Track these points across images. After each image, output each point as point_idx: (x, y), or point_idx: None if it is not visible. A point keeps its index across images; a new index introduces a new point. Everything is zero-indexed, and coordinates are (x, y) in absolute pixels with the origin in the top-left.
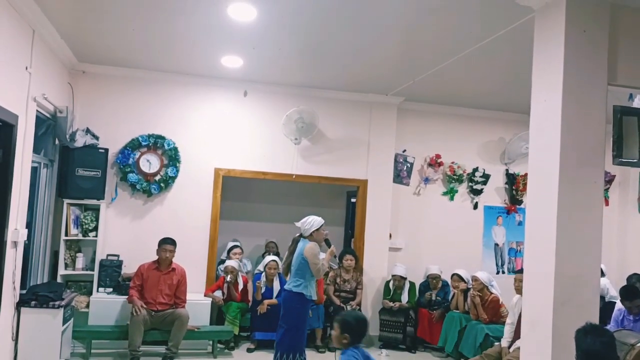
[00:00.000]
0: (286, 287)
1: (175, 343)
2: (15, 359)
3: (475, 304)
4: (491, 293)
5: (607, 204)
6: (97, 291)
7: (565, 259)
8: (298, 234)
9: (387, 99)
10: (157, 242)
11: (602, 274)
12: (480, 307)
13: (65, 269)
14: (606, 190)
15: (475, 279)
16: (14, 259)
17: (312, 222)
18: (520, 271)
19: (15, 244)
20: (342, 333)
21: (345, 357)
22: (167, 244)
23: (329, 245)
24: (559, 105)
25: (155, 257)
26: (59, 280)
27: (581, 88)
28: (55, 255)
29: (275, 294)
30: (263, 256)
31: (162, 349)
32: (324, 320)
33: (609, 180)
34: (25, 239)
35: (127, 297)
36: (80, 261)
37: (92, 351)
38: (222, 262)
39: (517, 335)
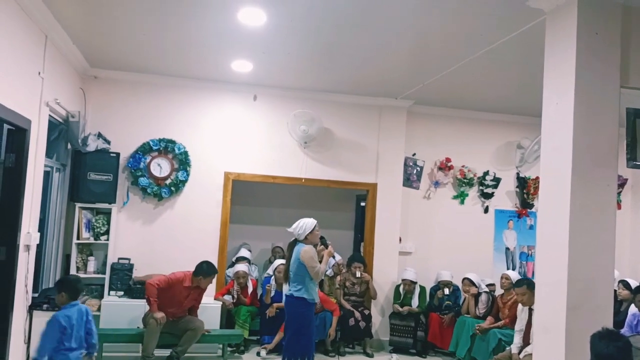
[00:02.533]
0: (287, 292)
1: (184, 349)
2: None
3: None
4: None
5: (619, 207)
6: (109, 294)
7: (578, 263)
8: (293, 239)
9: (396, 103)
10: (167, 246)
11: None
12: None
13: (77, 272)
14: (618, 193)
15: (506, 276)
16: (26, 262)
17: (305, 225)
18: (520, 284)
19: (27, 247)
20: (59, 292)
21: (62, 312)
22: (212, 275)
23: (325, 245)
24: (571, 108)
25: (188, 269)
26: None
27: (593, 90)
28: (67, 258)
29: (284, 297)
30: (270, 261)
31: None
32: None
33: (622, 183)
34: (38, 242)
35: (148, 300)
36: (91, 265)
37: (104, 354)
38: (232, 264)
39: (525, 341)
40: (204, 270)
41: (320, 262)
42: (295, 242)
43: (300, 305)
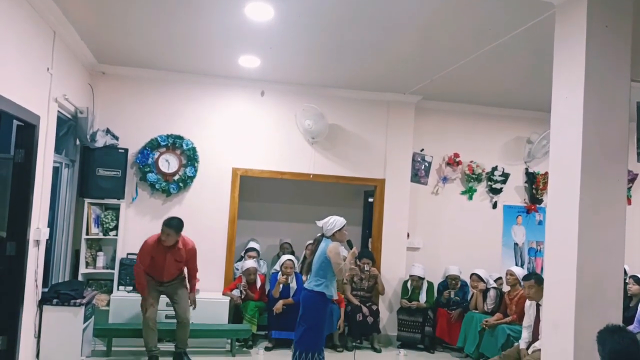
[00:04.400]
0: (306, 286)
1: (182, 343)
2: (38, 356)
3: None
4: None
5: (629, 203)
6: (118, 290)
7: (588, 258)
8: (320, 234)
9: (404, 98)
10: None
11: (625, 274)
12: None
13: (86, 267)
14: (629, 189)
15: (510, 273)
16: (36, 257)
17: (335, 222)
18: (528, 278)
19: (37, 242)
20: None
21: None
22: (166, 226)
23: (350, 247)
24: (581, 102)
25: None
26: (80, 278)
27: (604, 84)
28: (76, 254)
29: (292, 293)
30: (278, 256)
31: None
32: (342, 320)
33: (632, 178)
34: (47, 237)
35: (137, 289)
36: (100, 260)
37: (113, 349)
38: (241, 258)
39: (535, 337)
40: (165, 221)
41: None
42: (322, 237)
43: (319, 301)
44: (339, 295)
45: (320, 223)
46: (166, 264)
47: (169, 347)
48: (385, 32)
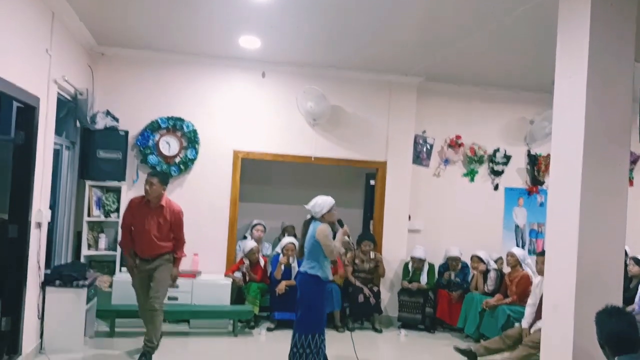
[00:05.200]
0: (301, 269)
1: (150, 337)
2: (42, 337)
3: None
4: (523, 270)
5: (631, 184)
6: (120, 271)
7: (589, 240)
8: (309, 216)
9: (406, 79)
10: None
11: (625, 255)
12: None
13: (88, 249)
14: (630, 170)
15: (511, 254)
16: (38, 239)
17: (323, 203)
18: (543, 253)
19: (39, 224)
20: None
21: None
22: (149, 175)
23: (341, 226)
24: (584, 83)
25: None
26: (82, 260)
27: (607, 65)
28: (78, 236)
29: (293, 274)
30: (279, 239)
31: (180, 326)
32: (342, 302)
33: (634, 160)
34: (49, 220)
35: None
36: (102, 242)
37: (116, 329)
38: (245, 238)
39: (538, 316)
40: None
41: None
42: (312, 219)
43: (314, 283)
44: (338, 260)
45: (308, 206)
46: (148, 225)
47: (170, 327)
48: (387, 12)
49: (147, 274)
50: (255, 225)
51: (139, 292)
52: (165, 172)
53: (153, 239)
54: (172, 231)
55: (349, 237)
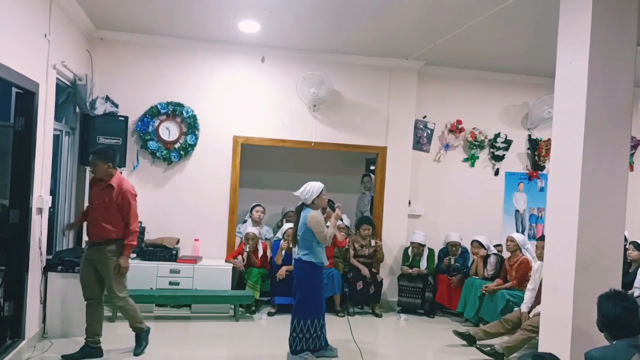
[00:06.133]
0: (296, 256)
1: (133, 323)
2: (44, 322)
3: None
4: (523, 255)
5: (631, 169)
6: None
7: (588, 224)
8: (300, 203)
9: (407, 64)
10: (177, 209)
11: (625, 240)
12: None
13: None
14: (631, 155)
15: (511, 239)
16: (39, 225)
17: (312, 189)
18: (543, 238)
19: (40, 210)
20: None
21: None
22: (90, 153)
23: (333, 209)
24: (586, 67)
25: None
26: (83, 246)
27: (609, 49)
28: None
29: (294, 260)
30: (278, 226)
31: (182, 311)
32: (341, 286)
33: (635, 145)
34: (50, 205)
35: None
36: None
37: (118, 314)
38: (244, 222)
39: (537, 301)
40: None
41: (328, 226)
42: (303, 206)
43: (309, 269)
44: (335, 241)
45: (297, 192)
46: (95, 205)
47: (172, 312)
48: None
49: (91, 264)
50: (255, 206)
51: (82, 284)
52: (109, 147)
53: (97, 219)
54: (121, 214)
55: (341, 220)
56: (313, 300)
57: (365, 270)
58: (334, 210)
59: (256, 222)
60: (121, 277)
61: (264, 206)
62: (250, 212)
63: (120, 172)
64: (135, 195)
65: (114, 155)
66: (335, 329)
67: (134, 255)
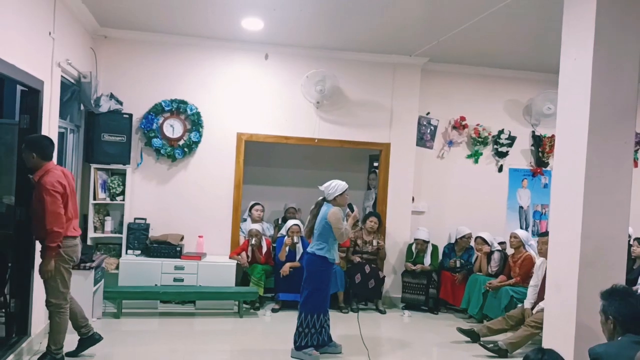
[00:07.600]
0: (309, 250)
1: (49, 338)
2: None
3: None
4: (526, 251)
5: (636, 165)
6: (126, 253)
7: (592, 220)
8: (321, 197)
9: (410, 60)
10: (181, 206)
11: (629, 236)
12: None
13: (95, 232)
14: (635, 151)
15: (514, 235)
16: None
17: (337, 186)
18: (545, 234)
19: None
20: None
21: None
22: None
23: (352, 210)
24: (590, 63)
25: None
26: (88, 242)
27: (614, 44)
28: (84, 218)
29: (298, 256)
30: (278, 222)
31: (186, 307)
32: (345, 283)
33: (639, 141)
34: None
35: None
36: (109, 224)
37: (123, 310)
38: (244, 220)
39: (540, 297)
40: None
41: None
42: (324, 201)
43: (321, 264)
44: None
45: (322, 187)
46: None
47: (176, 308)
48: None
49: None
50: (254, 205)
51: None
52: (41, 136)
53: (32, 217)
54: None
55: (358, 222)
56: (320, 295)
57: (356, 258)
58: (352, 211)
59: (256, 221)
60: (53, 282)
61: (265, 203)
62: (250, 210)
63: (56, 165)
64: (53, 191)
65: (41, 146)
66: (340, 325)
67: (138, 252)
